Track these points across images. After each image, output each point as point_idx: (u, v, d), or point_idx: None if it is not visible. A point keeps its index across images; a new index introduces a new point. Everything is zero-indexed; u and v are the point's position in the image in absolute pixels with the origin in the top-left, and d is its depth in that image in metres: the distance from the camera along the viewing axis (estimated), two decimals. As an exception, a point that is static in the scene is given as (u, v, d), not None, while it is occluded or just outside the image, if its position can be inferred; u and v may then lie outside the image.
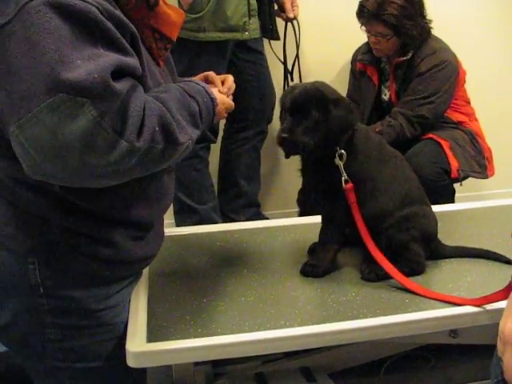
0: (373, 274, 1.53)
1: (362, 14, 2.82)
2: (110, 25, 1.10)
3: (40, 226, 1.27)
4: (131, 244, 1.37)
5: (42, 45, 1.03)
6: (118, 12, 1.15)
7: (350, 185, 1.52)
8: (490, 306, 1.35)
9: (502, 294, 1.32)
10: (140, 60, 1.21)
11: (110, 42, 1.10)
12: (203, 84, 1.38)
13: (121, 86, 1.08)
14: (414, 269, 1.56)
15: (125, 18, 1.17)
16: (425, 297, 1.43)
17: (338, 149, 1.52)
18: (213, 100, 1.36)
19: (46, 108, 1.03)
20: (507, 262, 1.58)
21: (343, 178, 1.52)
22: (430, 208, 1.65)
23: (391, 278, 1.50)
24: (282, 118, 1.60)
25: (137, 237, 1.39)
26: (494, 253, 1.62)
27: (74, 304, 1.32)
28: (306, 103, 1.51)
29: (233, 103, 1.52)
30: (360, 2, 2.84)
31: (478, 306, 1.37)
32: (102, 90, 1.04)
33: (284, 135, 1.50)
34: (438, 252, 1.64)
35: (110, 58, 1.08)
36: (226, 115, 1.51)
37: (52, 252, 1.28)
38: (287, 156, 1.57)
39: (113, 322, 1.38)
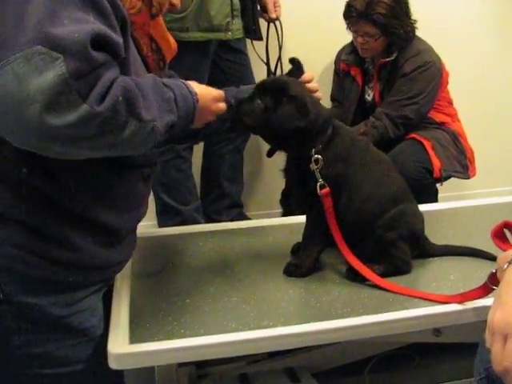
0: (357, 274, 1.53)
1: (350, 14, 2.83)
2: (104, 0, 1.12)
3: None
4: (96, 250, 1.33)
5: (36, 0, 1.05)
6: None
7: (325, 190, 1.51)
8: (473, 305, 1.35)
9: (480, 292, 1.32)
10: (125, 46, 1.19)
11: (101, 15, 1.11)
12: (184, 81, 1.36)
13: (97, 55, 1.08)
14: (400, 267, 1.56)
15: (119, 3, 1.17)
16: (402, 295, 1.43)
17: (313, 153, 1.51)
18: (192, 93, 1.33)
19: (20, 57, 1.03)
20: (494, 258, 1.58)
21: (318, 184, 1.51)
22: (416, 205, 1.65)
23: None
24: None
25: (104, 243, 1.35)
26: (481, 250, 1.62)
27: (36, 310, 1.28)
28: (267, 87, 1.53)
29: (221, 92, 1.49)
30: (347, 2, 2.85)
31: (456, 302, 1.37)
32: (77, 50, 1.04)
33: (235, 104, 1.53)
34: (427, 251, 1.65)
35: (96, 26, 1.08)
36: (220, 107, 1.47)
37: (11, 255, 1.24)
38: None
39: (81, 328, 1.34)
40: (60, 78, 1.03)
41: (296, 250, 1.69)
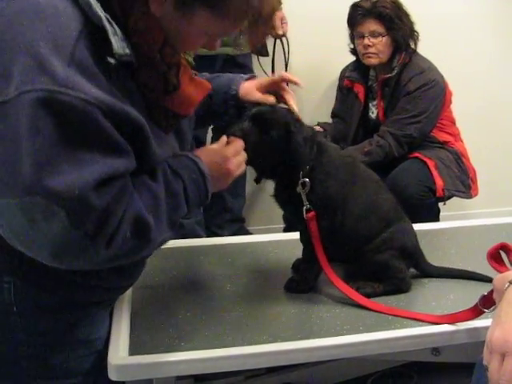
0: (360, 292, 1.52)
1: (356, 14, 2.88)
2: (108, 127, 1.04)
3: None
4: (114, 274, 1.33)
5: (28, 143, 0.97)
6: (124, 107, 1.07)
7: (311, 214, 1.50)
8: (473, 325, 1.35)
9: (470, 314, 1.33)
10: (147, 149, 1.15)
11: (104, 146, 1.04)
12: (196, 158, 1.29)
13: (102, 200, 1.04)
14: (398, 286, 1.57)
15: (131, 112, 1.09)
16: (391, 315, 1.43)
17: (301, 176, 1.50)
18: (205, 176, 1.27)
19: (20, 205, 1.01)
20: (489, 280, 1.58)
21: (304, 208, 1.51)
22: (407, 222, 1.65)
23: (375, 296, 1.52)
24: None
25: (121, 268, 1.34)
26: (476, 273, 1.62)
27: (47, 323, 1.29)
28: (273, 123, 1.49)
29: (237, 144, 1.40)
30: (352, 4, 2.92)
31: (444, 323, 1.38)
32: (78, 207, 1.01)
33: (237, 133, 1.43)
34: (423, 270, 1.65)
35: (97, 168, 1.03)
36: (240, 165, 1.39)
37: (28, 273, 1.24)
38: None
39: (89, 339, 1.35)
40: (64, 231, 1.02)
41: (297, 265, 1.69)
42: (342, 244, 1.56)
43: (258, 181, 1.62)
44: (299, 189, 1.50)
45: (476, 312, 1.30)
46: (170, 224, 1.21)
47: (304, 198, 1.50)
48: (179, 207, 1.23)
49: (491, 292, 1.20)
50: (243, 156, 1.40)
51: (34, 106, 0.97)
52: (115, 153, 1.06)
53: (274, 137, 1.48)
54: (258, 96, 1.55)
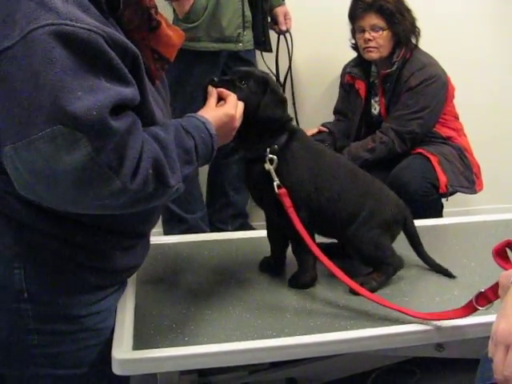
0: (365, 288, 1.52)
1: (357, 8, 2.89)
2: (113, 54, 1.10)
3: (28, 233, 1.27)
4: (120, 254, 1.38)
5: (44, 74, 1.03)
6: (121, 36, 1.15)
7: (282, 190, 1.50)
8: (476, 320, 1.35)
9: (460, 312, 1.33)
10: (142, 84, 1.21)
11: (111, 73, 1.10)
12: (204, 119, 1.35)
13: (119, 124, 1.08)
14: (393, 265, 1.58)
15: (127, 42, 1.16)
16: (380, 305, 1.43)
17: (268, 153, 1.52)
18: (212, 136, 1.33)
19: (44, 137, 1.03)
20: (449, 276, 1.62)
21: (275, 183, 1.50)
22: (381, 188, 1.66)
23: (379, 288, 1.53)
24: None
25: (127, 247, 1.40)
26: (439, 265, 1.65)
27: (57, 309, 1.31)
28: (251, 74, 1.54)
29: (230, 103, 1.44)
30: (353, 0, 2.92)
31: (432, 320, 1.37)
32: (99, 128, 1.05)
33: (215, 78, 1.50)
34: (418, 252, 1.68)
35: (110, 93, 1.07)
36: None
37: (38, 258, 1.28)
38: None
39: (97, 328, 1.37)
40: (87, 158, 1.05)
41: (266, 264, 1.70)
42: (325, 228, 1.60)
43: (226, 156, 1.63)
44: (267, 165, 1.51)
45: (469, 309, 1.29)
46: (183, 176, 1.25)
47: (273, 173, 1.51)
48: (191, 162, 1.28)
49: (488, 289, 1.21)
50: (241, 106, 1.46)
51: (44, 40, 1.04)
52: (122, 81, 1.12)
53: (251, 88, 1.51)
54: None
